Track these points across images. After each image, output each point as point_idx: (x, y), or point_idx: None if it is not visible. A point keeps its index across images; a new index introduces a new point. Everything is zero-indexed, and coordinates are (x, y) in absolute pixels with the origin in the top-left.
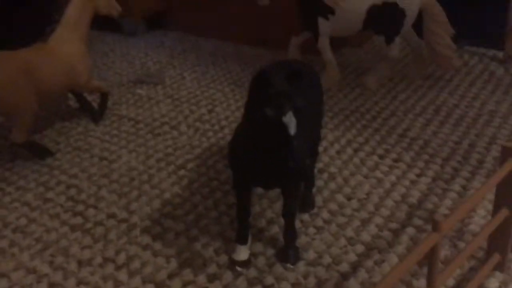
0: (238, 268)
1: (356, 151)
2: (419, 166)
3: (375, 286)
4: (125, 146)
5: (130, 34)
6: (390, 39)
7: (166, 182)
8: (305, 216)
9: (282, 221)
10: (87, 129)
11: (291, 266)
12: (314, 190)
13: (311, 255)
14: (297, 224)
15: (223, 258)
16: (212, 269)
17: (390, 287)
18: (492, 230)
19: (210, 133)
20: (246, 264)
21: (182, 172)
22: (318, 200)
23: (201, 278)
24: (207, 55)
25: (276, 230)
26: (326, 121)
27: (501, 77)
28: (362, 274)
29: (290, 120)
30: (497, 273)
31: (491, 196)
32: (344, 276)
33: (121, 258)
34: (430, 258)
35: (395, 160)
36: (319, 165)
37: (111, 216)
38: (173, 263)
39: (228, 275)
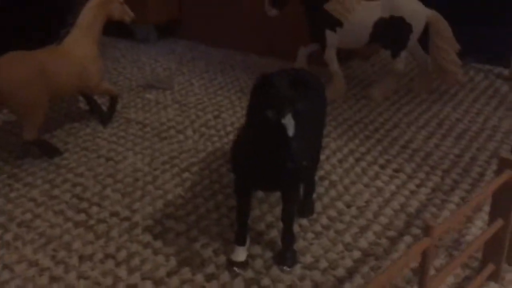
0: (236, 269)
1: (357, 160)
2: (420, 177)
3: (366, 286)
4: (132, 148)
5: (142, 41)
6: (396, 53)
7: (169, 184)
8: (304, 221)
9: (281, 225)
10: (95, 131)
11: (288, 269)
12: (314, 196)
13: (308, 259)
14: (296, 228)
15: (222, 259)
16: (210, 269)
17: (380, 287)
18: (486, 240)
19: (215, 138)
20: (243, 265)
21: (185, 174)
22: (318, 206)
23: (199, 277)
24: (216, 63)
25: (275, 233)
26: (330, 130)
27: (506, 94)
28: (357, 279)
29: (289, 122)
30: (492, 284)
31: (488, 207)
32: (340, 281)
33: (122, 255)
34: (422, 263)
35: (396, 170)
36: (321, 172)
37: (114, 214)
38: (172, 262)
39: (225, 276)
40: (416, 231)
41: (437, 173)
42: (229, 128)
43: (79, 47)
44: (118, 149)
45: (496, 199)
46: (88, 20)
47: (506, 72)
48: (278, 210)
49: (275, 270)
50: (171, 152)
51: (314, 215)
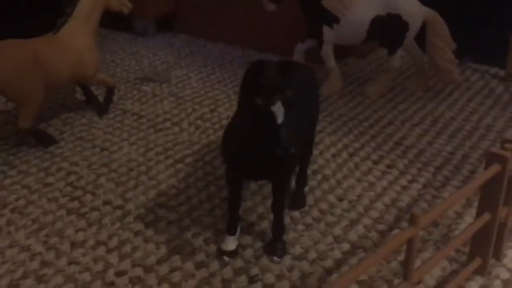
0: (226, 258)
1: (351, 155)
2: (412, 173)
3: (351, 269)
4: (127, 138)
5: (140, 34)
6: (392, 50)
7: (163, 174)
8: (296, 214)
9: (272, 216)
10: (91, 121)
11: (277, 259)
12: (306, 189)
13: (297, 250)
14: (287, 220)
15: (212, 248)
16: (200, 257)
17: (363, 271)
18: (473, 234)
19: (210, 131)
20: (233, 254)
21: (179, 166)
22: (310, 199)
23: (189, 265)
24: (214, 58)
25: (266, 225)
26: (324, 125)
27: (501, 94)
28: (345, 270)
29: (278, 110)
30: (478, 277)
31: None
32: (328, 271)
33: (113, 242)
34: (406, 252)
35: (389, 166)
36: (314, 166)
37: (107, 202)
38: (163, 250)
39: (215, 264)
40: (405, 225)
41: (429, 170)
42: (224, 122)
43: (75, 37)
44: (113, 139)
45: (484, 193)
46: (85, 10)
47: (502, 72)
48: (270, 202)
49: (264, 260)
50: (166, 143)
51: (306, 208)
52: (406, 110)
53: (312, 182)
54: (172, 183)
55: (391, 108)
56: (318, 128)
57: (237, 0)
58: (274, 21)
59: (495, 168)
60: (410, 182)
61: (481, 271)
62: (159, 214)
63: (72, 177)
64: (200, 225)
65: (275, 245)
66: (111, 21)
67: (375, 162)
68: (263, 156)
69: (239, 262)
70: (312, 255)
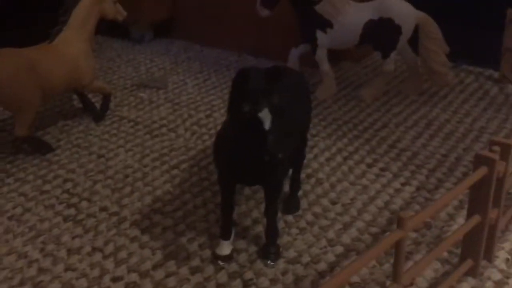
0: (220, 263)
1: (345, 159)
2: (405, 175)
3: (341, 271)
4: (123, 145)
5: (137, 41)
6: (386, 54)
7: (159, 180)
8: (290, 218)
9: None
10: (88, 128)
11: (271, 263)
12: (300, 193)
13: (291, 253)
14: (281, 224)
15: (207, 253)
16: (195, 262)
17: (351, 274)
18: (464, 235)
19: (206, 137)
20: (228, 259)
21: (175, 171)
22: (304, 203)
23: (184, 270)
24: (210, 64)
25: (260, 229)
26: (319, 130)
27: (495, 96)
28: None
29: (265, 116)
30: (469, 279)
31: None
32: (321, 275)
33: (109, 248)
34: (395, 254)
35: (382, 169)
36: (308, 170)
37: (103, 209)
38: (158, 255)
39: (210, 269)
40: None
41: (423, 172)
42: (220, 128)
43: (71, 45)
44: (110, 146)
45: (473, 195)
46: (80, 18)
47: (496, 74)
48: (263, 207)
49: (258, 264)
50: (162, 149)
51: (300, 212)
52: (400, 113)
53: (306, 186)
54: (168, 189)
55: (385, 112)
56: (312, 132)
57: (233, 6)
58: (269, 27)
59: (483, 170)
60: (403, 184)
61: (473, 272)
62: (155, 220)
63: (69, 184)
64: (195, 230)
65: (269, 249)
66: (108, 28)
67: (369, 165)
68: (252, 162)
69: (233, 267)
70: (306, 258)
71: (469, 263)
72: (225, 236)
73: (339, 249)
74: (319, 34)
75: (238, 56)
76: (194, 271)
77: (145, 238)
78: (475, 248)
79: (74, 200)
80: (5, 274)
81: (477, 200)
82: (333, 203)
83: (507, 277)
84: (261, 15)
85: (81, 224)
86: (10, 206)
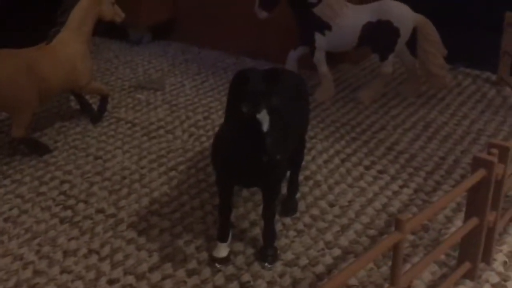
0: (217, 265)
1: (343, 161)
2: (403, 178)
3: (338, 273)
4: (120, 147)
5: (135, 43)
6: (384, 56)
7: (156, 182)
8: (287, 220)
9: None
10: (85, 130)
11: (269, 266)
12: (298, 195)
13: (289, 256)
14: (279, 226)
15: (204, 255)
16: (192, 264)
17: (349, 277)
18: (462, 238)
19: (204, 138)
20: (225, 261)
21: (172, 173)
22: (302, 205)
23: (180, 273)
24: (208, 65)
25: (257, 231)
26: (317, 132)
27: (492, 98)
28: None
29: (264, 117)
30: (467, 282)
31: None
32: (319, 277)
33: (106, 250)
34: (393, 256)
35: (380, 172)
36: (306, 172)
37: (100, 211)
38: (155, 257)
39: (207, 271)
40: None
41: (421, 175)
42: (217, 129)
43: (68, 46)
44: (107, 147)
45: (471, 198)
46: (78, 19)
47: (494, 77)
48: (262, 209)
49: (256, 267)
50: (159, 151)
51: (297, 214)
52: (398, 116)
53: (304, 188)
54: (165, 190)
55: (383, 114)
56: (310, 134)
57: (231, 8)
58: (267, 29)
59: (481, 173)
60: (401, 187)
61: (471, 275)
62: (152, 222)
63: (66, 186)
64: (192, 232)
65: (266, 252)
66: (106, 30)
67: (367, 168)
68: (250, 163)
69: (230, 269)
70: (304, 261)
71: (467, 265)
72: (223, 238)
73: (337, 251)
74: (317, 36)
75: (236, 58)
76: (190, 273)
77: (142, 240)
78: (473, 250)
79: (71, 202)
80: (1, 276)
81: (475, 202)
82: (331, 205)
83: (505, 280)
84: (260, 17)
85: (78, 226)
86: (7, 207)
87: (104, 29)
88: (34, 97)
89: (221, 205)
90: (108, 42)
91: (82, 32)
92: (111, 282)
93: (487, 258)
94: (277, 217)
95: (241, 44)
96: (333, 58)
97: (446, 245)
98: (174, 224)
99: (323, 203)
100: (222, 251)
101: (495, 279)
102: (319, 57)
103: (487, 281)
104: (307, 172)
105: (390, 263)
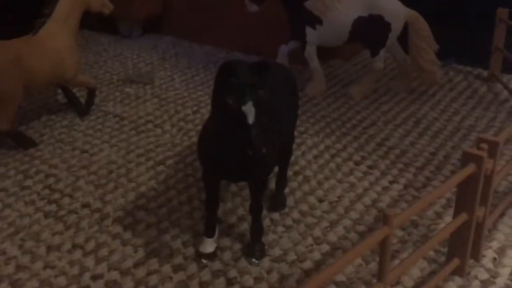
0: (204, 260)
1: (333, 156)
2: (393, 173)
3: (325, 269)
4: (108, 141)
5: (125, 36)
6: (375, 52)
7: (143, 177)
8: (276, 215)
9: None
10: (72, 123)
11: (256, 261)
12: (286, 190)
13: (276, 252)
14: (267, 222)
15: (190, 250)
16: (178, 260)
17: (336, 273)
18: (451, 234)
19: (193, 133)
20: (211, 256)
21: (160, 167)
22: (290, 200)
23: (166, 268)
24: (198, 60)
25: (245, 227)
26: (307, 127)
27: (484, 95)
28: None
29: (249, 110)
30: (456, 278)
31: None
32: (307, 273)
33: (90, 245)
34: (381, 251)
35: (370, 167)
36: (295, 167)
37: (86, 205)
38: (140, 253)
39: (193, 267)
40: None
41: (410, 170)
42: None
43: (55, 38)
44: (94, 141)
45: (460, 193)
46: (65, 11)
47: (485, 73)
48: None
49: (243, 262)
50: (147, 145)
51: (286, 209)
52: (389, 111)
53: (293, 184)
54: (152, 185)
55: (374, 109)
56: (300, 129)
57: (222, 2)
58: (258, 23)
59: (470, 168)
60: (391, 182)
61: (459, 271)
62: (138, 216)
63: (51, 180)
64: (179, 227)
65: (253, 247)
66: (96, 23)
67: (357, 163)
68: (235, 157)
69: (217, 265)
70: (291, 256)
71: (455, 262)
72: (209, 233)
73: (325, 247)
74: (308, 30)
75: (226, 52)
76: (177, 269)
77: (128, 235)
78: (462, 247)
79: (56, 196)
80: None
81: (465, 198)
82: (320, 200)
83: (494, 277)
84: (250, 11)
85: (62, 221)
86: None
87: (94, 22)
88: (20, 89)
89: (208, 199)
90: (97, 35)
91: (69, 24)
92: (94, 277)
93: (476, 254)
94: (265, 212)
95: (232, 38)
96: (324, 53)
97: (435, 241)
98: (160, 219)
99: (312, 199)
100: (209, 246)
101: (484, 275)
102: (310, 51)
103: (476, 277)
104: (297, 167)
105: (378, 259)
